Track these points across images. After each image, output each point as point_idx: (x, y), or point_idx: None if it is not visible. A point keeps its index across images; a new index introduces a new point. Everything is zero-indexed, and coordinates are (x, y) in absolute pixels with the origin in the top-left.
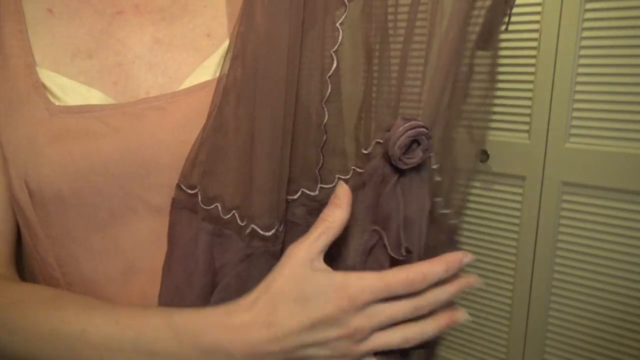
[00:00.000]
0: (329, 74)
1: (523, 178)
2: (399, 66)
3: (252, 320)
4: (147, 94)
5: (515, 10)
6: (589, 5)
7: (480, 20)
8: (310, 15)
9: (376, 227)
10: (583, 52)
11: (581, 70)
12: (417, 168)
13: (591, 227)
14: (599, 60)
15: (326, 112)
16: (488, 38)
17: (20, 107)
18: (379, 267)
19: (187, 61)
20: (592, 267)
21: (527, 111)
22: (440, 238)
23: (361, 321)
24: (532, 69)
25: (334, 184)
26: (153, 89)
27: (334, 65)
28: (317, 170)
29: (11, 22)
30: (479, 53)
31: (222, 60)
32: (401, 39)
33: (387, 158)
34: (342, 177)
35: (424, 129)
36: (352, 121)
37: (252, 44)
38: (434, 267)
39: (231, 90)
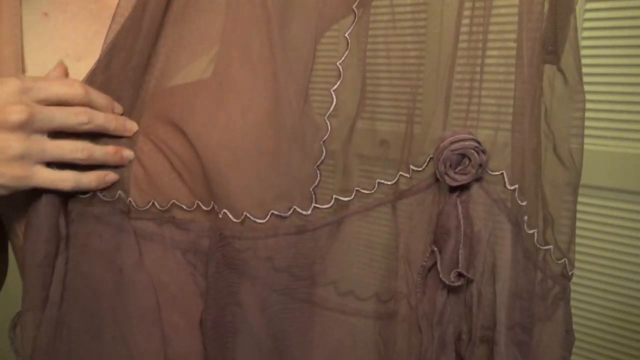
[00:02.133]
0: (334, 87)
1: None
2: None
3: None
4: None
5: (514, 11)
6: (589, 5)
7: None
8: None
9: (435, 248)
10: (583, 52)
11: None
12: (483, 186)
13: (591, 227)
14: (599, 60)
15: (329, 127)
16: (553, 48)
17: None
18: (436, 290)
19: (177, 62)
20: (592, 267)
21: None
22: (537, 278)
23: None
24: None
25: (330, 205)
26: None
27: (341, 78)
28: (311, 189)
29: (9, 26)
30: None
31: (210, 63)
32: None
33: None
34: (342, 198)
35: (473, 142)
36: (352, 136)
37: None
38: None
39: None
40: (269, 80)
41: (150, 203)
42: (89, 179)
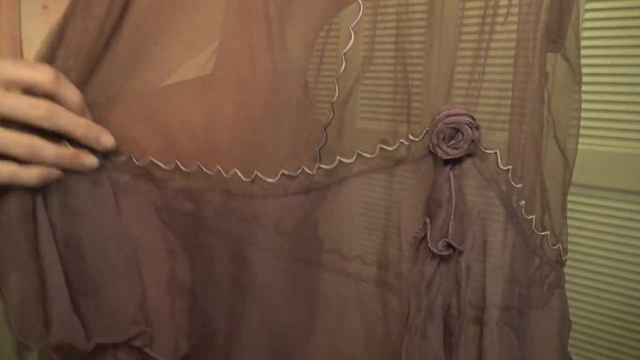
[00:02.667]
0: (345, 50)
1: None
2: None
3: None
4: (132, 90)
5: (512, 11)
6: (589, 5)
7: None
8: None
9: (427, 219)
10: (583, 52)
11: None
12: (476, 162)
13: (591, 227)
14: (599, 60)
15: (337, 89)
16: (556, 37)
17: None
18: (425, 260)
19: (176, 56)
20: (592, 267)
21: None
22: (534, 264)
23: None
24: None
25: (333, 166)
26: (138, 84)
27: (352, 40)
28: (317, 150)
29: (7, 20)
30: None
31: (209, 58)
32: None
33: None
34: (344, 160)
35: (467, 117)
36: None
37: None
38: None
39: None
40: (269, 73)
41: (127, 157)
42: (30, 174)
